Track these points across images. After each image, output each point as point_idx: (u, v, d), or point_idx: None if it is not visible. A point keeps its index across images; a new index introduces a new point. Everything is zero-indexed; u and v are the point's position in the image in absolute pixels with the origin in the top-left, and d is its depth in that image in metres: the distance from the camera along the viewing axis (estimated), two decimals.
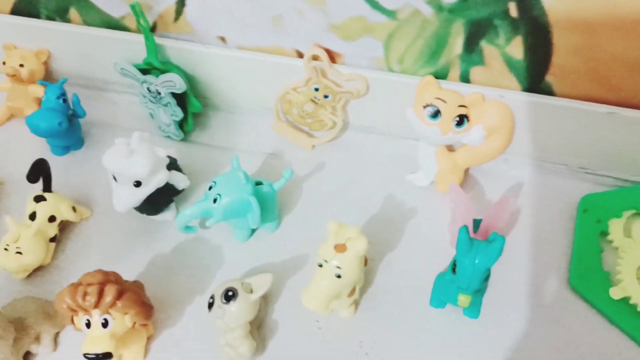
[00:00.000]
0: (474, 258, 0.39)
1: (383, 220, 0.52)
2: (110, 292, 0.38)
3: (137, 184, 0.46)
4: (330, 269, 0.39)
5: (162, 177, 0.47)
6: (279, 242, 0.51)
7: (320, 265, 0.40)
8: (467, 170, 0.55)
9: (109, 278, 0.39)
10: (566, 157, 0.54)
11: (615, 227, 0.50)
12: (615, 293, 0.46)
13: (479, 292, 0.43)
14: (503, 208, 0.48)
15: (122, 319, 0.40)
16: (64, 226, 0.51)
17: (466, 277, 0.39)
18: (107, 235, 0.51)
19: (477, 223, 0.47)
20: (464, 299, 0.41)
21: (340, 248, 0.40)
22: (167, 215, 0.51)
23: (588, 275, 0.48)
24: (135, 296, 0.40)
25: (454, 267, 0.41)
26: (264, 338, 0.46)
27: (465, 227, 0.40)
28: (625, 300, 0.46)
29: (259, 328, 0.46)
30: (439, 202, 0.53)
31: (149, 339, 0.46)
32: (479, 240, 0.40)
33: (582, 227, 0.51)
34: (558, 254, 0.49)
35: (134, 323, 0.41)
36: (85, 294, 0.38)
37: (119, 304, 0.39)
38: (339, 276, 0.39)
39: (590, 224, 0.51)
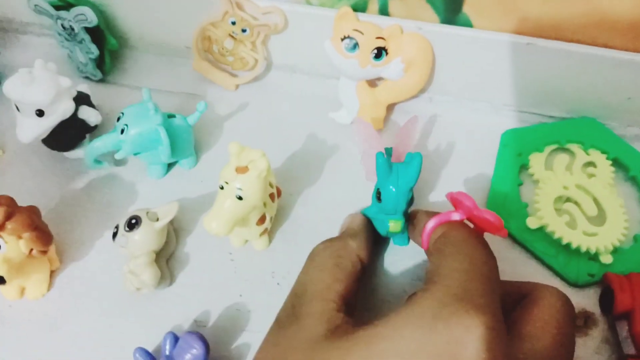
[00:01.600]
0: (396, 180, 0.39)
1: (304, 158, 0.51)
2: None
3: (40, 113, 0.44)
4: (232, 191, 0.38)
5: (66, 108, 0.45)
6: (195, 178, 0.50)
7: (222, 188, 0.39)
8: (390, 109, 0.54)
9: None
10: (488, 94, 0.54)
11: (536, 160, 0.50)
12: (532, 222, 0.46)
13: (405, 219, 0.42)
14: (409, 130, 0.47)
15: (16, 244, 0.39)
16: None
17: (392, 201, 0.39)
18: (18, 173, 0.50)
19: (389, 151, 0.46)
20: (394, 224, 0.40)
21: (241, 169, 0.39)
22: (80, 152, 0.50)
23: (506, 205, 0.48)
24: (28, 219, 0.39)
25: (378, 195, 0.40)
26: (173, 270, 0.44)
27: (381, 152, 0.39)
28: (541, 229, 0.46)
29: (168, 261, 0.45)
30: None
31: (55, 272, 0.44)
32: (397, 163, 0.40)
33: (502, 160, 0.50)
34: (478, 188, 0.49)
35: (31, 249, 0.40)
36: None
37: (8, 225, 0.38)
38: (240, 198, 0.38)
39: (511, 157, 0.50)
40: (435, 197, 0.49)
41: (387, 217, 0.40)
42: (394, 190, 0.39)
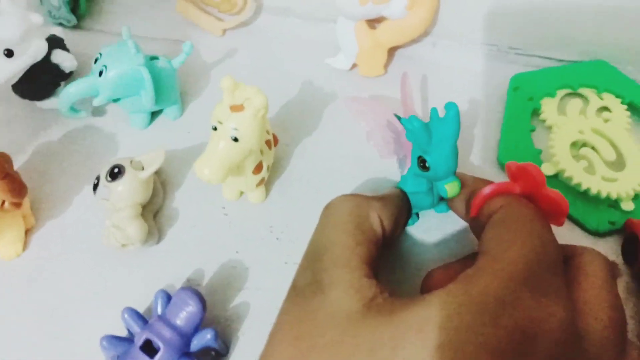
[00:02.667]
0: (440, 139, 0.32)
1: (300, 106, 0.47)
2: None
3: (9, 53, 0.40)
4: (226, 131, 0.35)
5: (39, 48, 0.41)
6: (182, 129, 0.46)
7: (215, 129, 0.35)
8: (392, 53, 0.50)
9: None
10: (495, 37, 0.50)
11: (548, 105, 0.47)
12: (547, 168, 0.43)
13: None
14: (405, 89, 0.43)
15: None
16: None
17: (443, 163, 0.33)
18: None
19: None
20: (452, 187, 0.33)
21: (236, 108, 0.35)
22: (54, 101, 0.45)
23: (518, 153, 0.44)
24: None
25: (422, 163, 0.33)
26: (161, 226, 0.41)
27: (412, 115, 0.33)
28: (557, 175, 0.43)
29: (155, 215, 0.41)
30: (359, 86, 0.49)
31: (30, 230, 0.40)
32: (427, 122, 0.33)
33: (512, 105, 0.47)
34: (488, 135, 0.46)
35: (3, 202, 0.35)
36: None
37: None
38: (236, 139, 0.35)
39: (522, 102, 0.47)
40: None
41: (441, 184, 0.33)
42: (443, 151, 0.32)
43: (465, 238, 0.40)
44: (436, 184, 0.34)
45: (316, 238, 0.31)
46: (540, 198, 0.31)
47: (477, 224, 0.32)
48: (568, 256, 0.30)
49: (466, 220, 0.35)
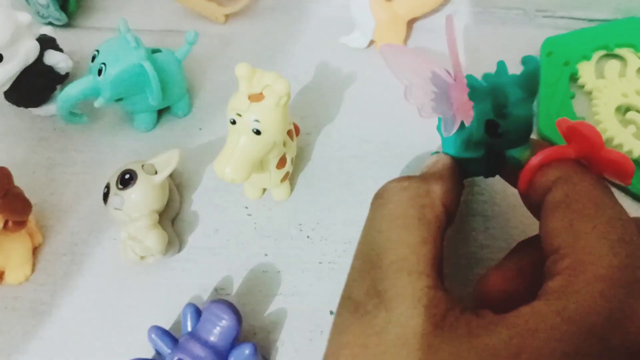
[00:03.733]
0: (518, 100, 0.28)
1: (317, 91, 0.44)
2: None
3: None
4: (247, 124, 0.31)
5: (30, 50, 0.38)
6: (193, 125, 0.42)
7: (234, 122, 0.31)
8: (410, 26, 0.46)
9: None
10: (522, 0, 0.46)
11: (586, 69, 0.44)
12: None
13: None
14: (452, 36, 0.38)
15: None
16: None
17: (522, 126, 0.28)
18: None
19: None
20: (526, 158, 0.27)
21: (256, 97, 0.31)
22: (52, 107, 0.42)
23: None
24: None
25: (493, 127, 0.28)
26: (181, 233, 0.37)
27: (470, 75, 0.29)
28: (605, 143, 0.39)
29: (173, 222, 0.37)
30: (379, 64, 0.45)
31: (38, 248, 0.37)
32: (496, 78, 0.29)
33: (548, 71, 0.44)
34: None
35: (6, 221, 0.32)
36: None
37: None
38: (258, 132, 0.31)
39: (557, 67, 0.44)
40: None
41: (514, 152, 0.29)
42: (520, 115, 0.28)
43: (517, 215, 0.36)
44: (507, 152, 0.29)
45: (370, 235, 0.27)
46: (600, 162, 0.26)
47: (530, 200, 0.27)
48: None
49: (521, 195, 0.29)
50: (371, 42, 0.46)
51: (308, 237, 0.37)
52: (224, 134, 0.32)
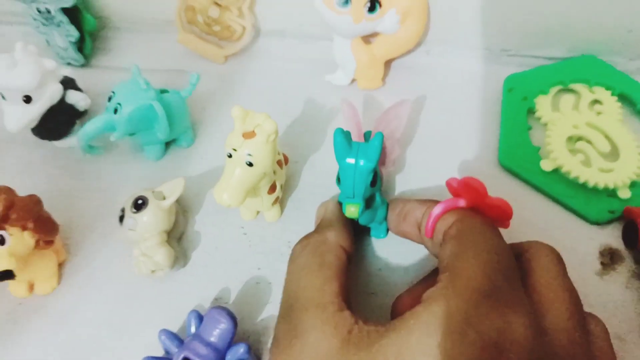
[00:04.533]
0: (354, 159, 0.34)
1: (304, 124, 0.50)
2: None
3: (27, 99, 0.42)
4: (241, 157, 0.37)
5: (54, 91, 0.43)
6: (195, 155, 0.48)
7: (230, 156, 0.37)
8: (388, 64, 0.52)
9: None
10: (486, 40, 0.52)
11: (542, 103, 0.49)
12: (546, 165, 0.45)
13: (373, 207, 0.37)
14: (397, 113, 0.44)
15: (21, 235, 0.37)
16: None
17: (349, 182, 0.34)
18: (6, 168, 0.48)
19: (367, 135, 0.44)
20: (352, 209, 0.34)
21: (249, 135, 0.37)
22: (72, 140, 0.48)
23: (518, 151, 0.46)
24: (31, 207, 0.37)
25: (338, 177, 0.36)
26: (186, 250, 0.43)
27: (339, 128, 0.35)
28: (556, 170, 0.45)
29: (179, 241, 0.43)
30: (360, 99, 0.51)
31: (63, 264, 0.42)
32: (359, 142, 0.35)
33: (508, 106, 0.49)
34: (487, 137, 0.48)
35: (38, 241, 0.38)
36: None
37: (12, 215, 0.35)
38: (250, 164, 0.37)
39: (517, 102, 0.49)
40: (442, 153, 0.47)
41: (346, 201, 0.35)
42: (351, 170, 0.34)
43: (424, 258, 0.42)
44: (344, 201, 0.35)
45: (287, 288, 0.32)
46: (485, 207, 0.32)
47: (434, 243, 0.33)
48: (517, 254, 0.31)
49: (421, 242, 0.35)
50: (353, 80, 0.51)
51: None
52: (223, 163, 0.37)
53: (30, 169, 0.47)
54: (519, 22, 0.50)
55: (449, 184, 0.33)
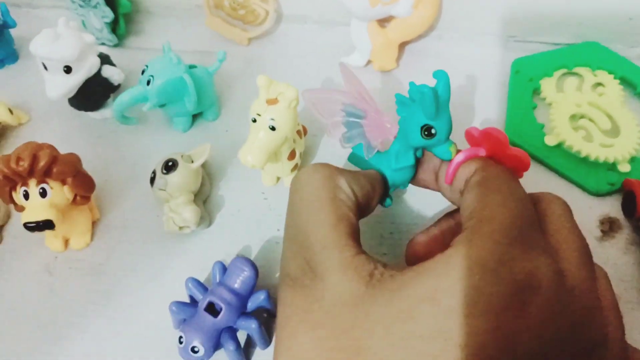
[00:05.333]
0: (442, 105, 0.32)
1: None
2: (44, 156, 0.38)
3: (68, 69, 0.45)
4: (264, 122, 0.40)
5: (93, 63, 0.47)
6: (220, 128, 0.51)
7: (254, 121, 0.40)
8: (402, 48, 0.55)
9: (42, 147, 0.39)
10: (496, 27, 0.55)
11: (547, 84, 0.52)
12: (550, 140, 0.48)
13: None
14: (349, 78, 0.40)
15: (61, 189, 0.40)
16: (2, 131, 0.51)
17: (450, 125, 0.33)
18: (46, 137, 0.50)
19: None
20: (454, 148, 0.33)
21: (272, 101, 0.40)
22: (106, 112, 0.51)
23: (523, 128, 0.49)
24: (71, 163, 0.40)
25: (427, 131, 0.33)
26: (211, 212, 0.46)
27: (424, 84, 0.32)
28: (559, 145, 0.47)
29: (205, 203, 0.46)
30: (375, 80, 0.54)
31: (96, 222, 0.46)
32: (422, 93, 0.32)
33: (515, 86, 0.52)
34: (494, 115, 0.51)
35: (75, 196, 0.41)
36: (18, 159, 0.38)
37: (54, 169, 0.39)
38: (273, 128, 0.40)
39: (523, 83, 0.52)
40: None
41: (444, 147, 0.33)
42: (446, 115, 0.33)
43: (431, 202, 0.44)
44: (435, 149, 0.34)
45: (293, 219, 0.30)
46: (504, 157, 0.32)
47: (452, 190, 0.33)
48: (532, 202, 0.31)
49: (437, 189, 0.35)
50: (368, 62, 0.55)
51: None
52: (245, 135, 0.40)
53: (68, 138, 0.51)
54: (525, 10, 0.53)
55: (469, 133, 0.33)
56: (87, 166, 0.44)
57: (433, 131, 0.33)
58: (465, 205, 0.30)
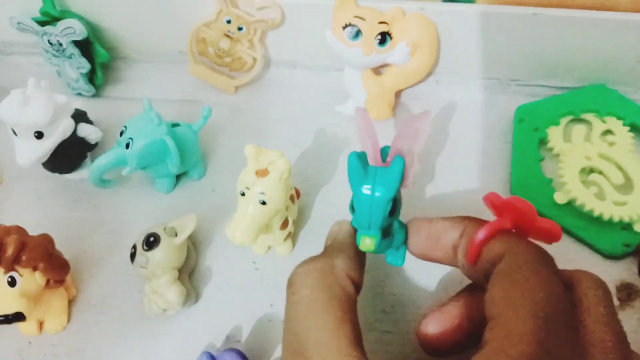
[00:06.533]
0: (371, 186, 0.30)
1: (315, 155, 0.49)
2: (11, 243, 0.35)
3: (39, 135, 0.42)
4: (254, 196, 0.37)
5: (66, 126, 0.43)
6: (206, 188, 0.48)
7: (243, 194, 0.37)
8: (398, 95, 0.52)
9: (9, 231, 0.36)
10: (496, 70, 0.52)
11: (554, 134, 0.49)
12: (560, 197, 0.45)
13: (391, 234, 0.33)
14: (418, 126, 0.38)
15: (32, 276, 0.37)
16: None
17: (365, 212, 0.30)
18: (19, 201, 0.48)
19: (384, 152, 0.37)
20: (367, 242, 0.30)
21: (262, 172, 0.37)
22: (83, 172, 0.48)
23: (530, 183, 0.46)
24: (42, 248, 0.36)
25: (351, 203, 0.32)
26: (197, 286, 0.42)
27: (355, 152, 0.31)
28: (569, 203, 0.44)
29: (190, 276, 0.43)
30: None
31: (72, 300, 0.42)
32: (376, 167, 0.31)
33: (519, 137, 0.49)
34: (498, 169, 0.48)
35: (48, 280, 0.37)
36: None
37: (24, 256, 0.35)
38: (263, 202, 0.37)
39: (528, 133, 0.49)
40: (452, 185, 0.47)
41: (360, 232, 0.31)
42: (367, 201, 0.30)
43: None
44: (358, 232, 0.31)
45: (290, 325, 0.28)
46: (531, 229, 0.29)
47: (476, 270, 0.29)
48: (567, 283, 0.28)
49: (454, 266, 0.32)
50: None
51: None
52: (234, 195, 0.37)
53: (41, 202, 0.47)
54: (527, 52, 0.50)
55: (489, 200, 0.30)
56: (62, 234, 0.42)
57: (352, 204, 0.31)
58: (489, 300, 0.26)
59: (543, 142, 0.49)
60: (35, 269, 0.36)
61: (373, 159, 0.33)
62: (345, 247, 0.31)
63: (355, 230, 0.33)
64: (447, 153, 0.49)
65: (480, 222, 0.30)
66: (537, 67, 0.52)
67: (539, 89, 0.53)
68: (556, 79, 0.52)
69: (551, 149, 0.48)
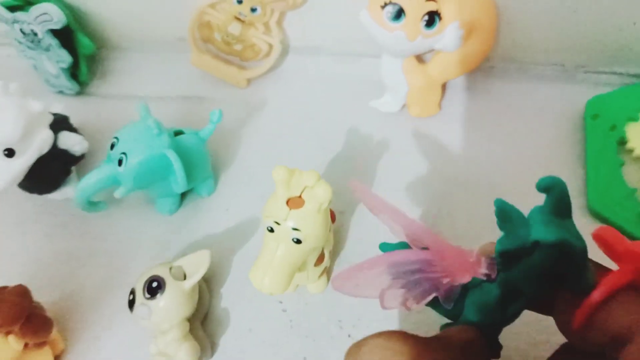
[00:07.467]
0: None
1: (348, 162, 0.42)
2: None
3: (9, 153, 0.34)
4: (286, 233, 0.29)
5: (43, 139, 0.36)
6: (218, 207, 0.40)
7: (271, 230, 0.29)
8: (444, 86, 0.44)
9: None
10: (561, 55, 0.44)
11: (634, 132, 0.41)
12: None
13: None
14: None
15: (5, 342, 0.29)
16: None
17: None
18: None
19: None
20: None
21: (295, 203, 0.29)
22: (68, 191, 0.40)
23: (610, 194, 0.39)
24: (15, 308, 0.29)
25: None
26: (212, 335, 0.35)
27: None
28: None
29: (203, 323, 0.35)
30: (414, 129, 0.43)
31: (60, 356, 0.34)
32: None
33: (593, 137, 0.41)
34: (569, 175, 0.40)
35: (26, 344, 0.30)
36: None
37: None
38: (298, 241, 0.29)
39: (604, 133, 0.41)
40: (512, 196, 0.38)
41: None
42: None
43: None
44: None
45: None
46: None
47: (588, 340, 0.22)
48: None
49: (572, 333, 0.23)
50: (403, 106, 0.43)
51: (349, 335, 0.34)
52: (253, 214, 0.30)
53: (17, 229, 0.40)
54: (595, 34, 0.42)
55: (603, 240, 0.23)
56: (44, 272, 0.36)
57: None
58: None
59: (622, 142, 0.41)
60: (8, 333, 0.29)
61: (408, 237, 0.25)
62: (452, 344, 0.22)
63: (474, 331, 0.24)
64: (505, 157, 0.41)
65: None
66: (606, 51, 0.44)
67: (610, 76, 0.45)
68: (629, 65, 0.44)
69: (631, 151, 0.41)
